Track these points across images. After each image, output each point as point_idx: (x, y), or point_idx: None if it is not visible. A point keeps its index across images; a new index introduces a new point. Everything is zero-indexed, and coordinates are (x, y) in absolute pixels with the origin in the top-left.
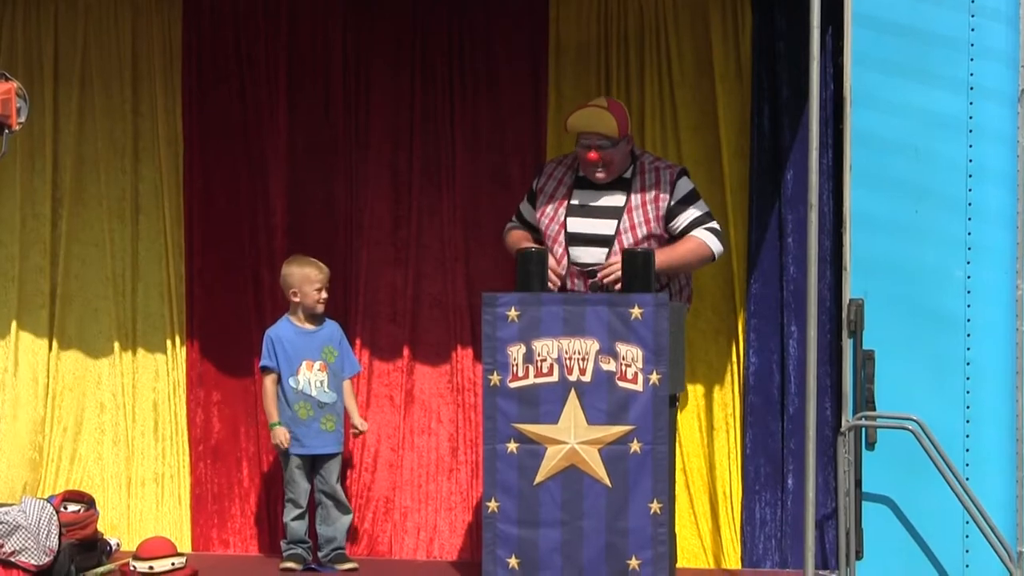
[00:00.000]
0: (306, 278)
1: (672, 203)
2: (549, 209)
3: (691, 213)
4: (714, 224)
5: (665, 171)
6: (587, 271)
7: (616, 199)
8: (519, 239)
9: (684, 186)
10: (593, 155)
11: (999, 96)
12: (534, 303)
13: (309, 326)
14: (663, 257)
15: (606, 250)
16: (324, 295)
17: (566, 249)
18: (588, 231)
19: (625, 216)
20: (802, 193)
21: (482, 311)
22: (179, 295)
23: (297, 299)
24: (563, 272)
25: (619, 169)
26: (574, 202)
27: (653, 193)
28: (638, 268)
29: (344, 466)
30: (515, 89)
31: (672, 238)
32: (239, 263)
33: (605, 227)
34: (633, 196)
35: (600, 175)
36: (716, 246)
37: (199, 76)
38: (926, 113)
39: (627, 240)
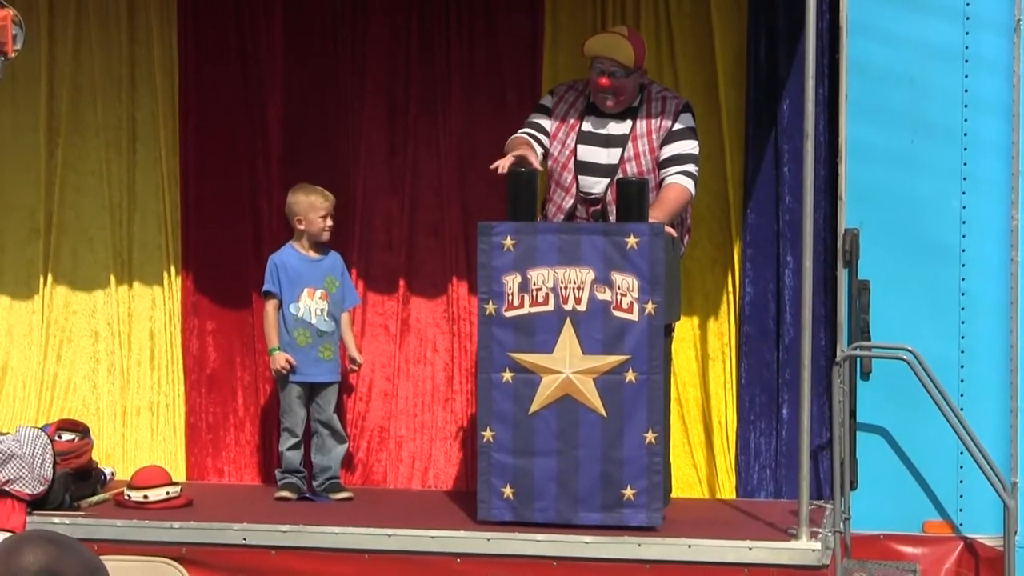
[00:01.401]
0: (312, 206)
1: (675, 128)
2: (561, 133)
3: (680, 147)
4: (692, 168)
5: (671, 101)
6: (589, 199)
7: (623, 127)
8: (518, 143)
9: (685, 120)
10: (604, 80)
11: (995, 26)
12: (529, 232)
13: (313, 254)
14: (662, 216)
15: (608, 179)
16: (329, 223)
17: (575, 177)
18: (595, 160)
19: (629, 144)
20: (798, 123)
21: (477, 240)
22: (175, 224)
23: (302, 227)
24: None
25: (629, 99)
26: (584, 128)
27: (658, 122)
28: (632, 197)
29: (339, 396)
30: (511, 19)
31: (658, 164)
32: (235, 192)
33: (610, 156)
34: (639, 123)
35: (610, 103)
36: (693, 188)
37: (195, 3)
38: (922, 43)
39: (630, 169)
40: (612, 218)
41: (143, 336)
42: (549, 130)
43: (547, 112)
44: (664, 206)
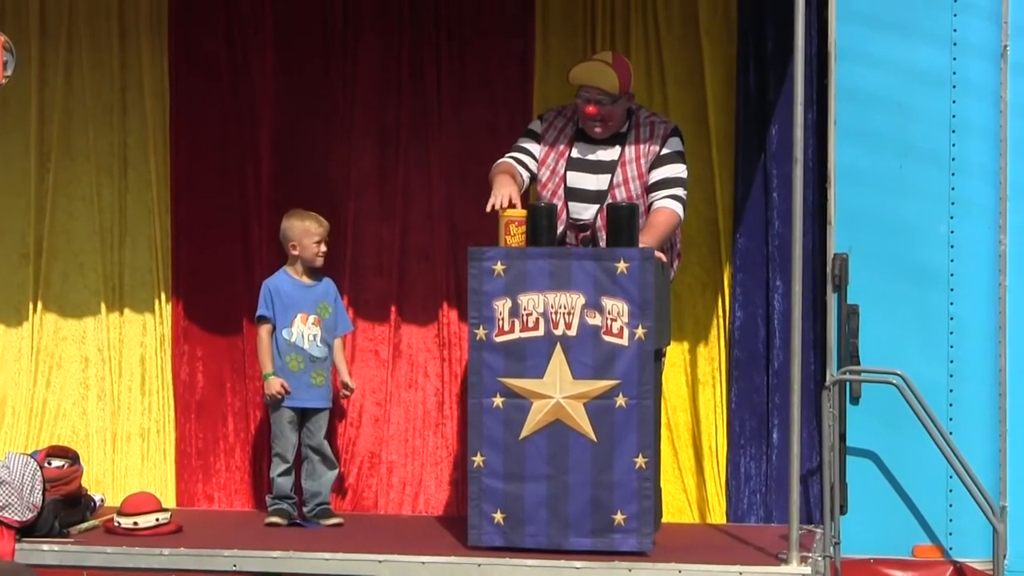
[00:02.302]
0: (306, 231)
1: (663, 152)
2: (550, 160)
3: (669, 171)
4: (681, 191)
5: (660, 126)
6: (579, 225)
7: (611, 153)
8: (501, 171)
9: (674, 144)
10: (591, 109)
11: (982, 51)
12: (520, 257)
13: (306, 280)
14: (652, 241)
15: (598, 205)
16: (323, 248)
17: (565, 203)
18: (585, 186)
19: (618, 170)
20: (787, 148)
21: (468, 265)
22: (165, 249)
23: (296, 252)
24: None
25: (617, 125)
26: (574, 155)
27: (647, 147)
28: (623, 222)
29: (330, 421)
30: (502, 43)
31: (646, 189)
32: (225, 216)
33: (600, 182)
34: (627, 149)
35: (598, 130)
36: (682, 212)
37: (186, 27)
38: (910, 68)
39: (620, 195)
40: (602, 244)
41: (134, 362)
42: (538, 155)
43: (536, 137)
44: (653, 231)
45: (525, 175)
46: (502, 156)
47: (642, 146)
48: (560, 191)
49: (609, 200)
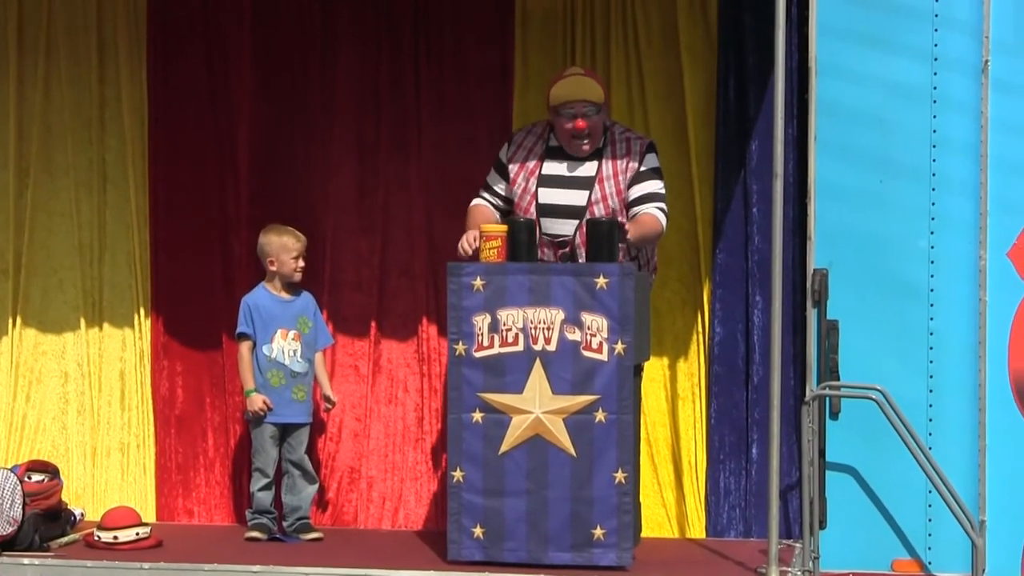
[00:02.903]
0: (284, 247)
1: (642, 168)
2: (520, 179)
3: (649, 187)
4: (664, 206)
5: (636, 142)
6: (557, 242)
7: (587, 169)
8: (476, 217)
9: (651, 160)
10: (581, 123)
11: (963, 67)
12: (499, 272)
13: (285, 295)
14: (637, 231)
15: (576, 221)
16: (301, 264)
17: (537, 220)
18: (559, 202)
19: (596, 187)
20: (767, 163)
21: (447, 280)
22: (144, 264)
23: (274, 268)
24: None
25: (598, 140)
26: (545, 172)
27: (624, 163)
28: (603, 238)
29: (311, 436)
30: (481, 57)
31: (626, 204)
32: (205, 232)
33: (576, 198)
34: (604, 166)
35: (586, 146)
36: (664, 225)
37: (164, 43)
38: (891, 83)
39: (598, 211)
40: (582, 260)
41: (113, 377)
42: (504, 193)
43: (503, 170)
44: (638, 226)
45: (497, 216)
46: (482, 171)
47: (619, 162)
48: (532, 208)
49: (588, 216)
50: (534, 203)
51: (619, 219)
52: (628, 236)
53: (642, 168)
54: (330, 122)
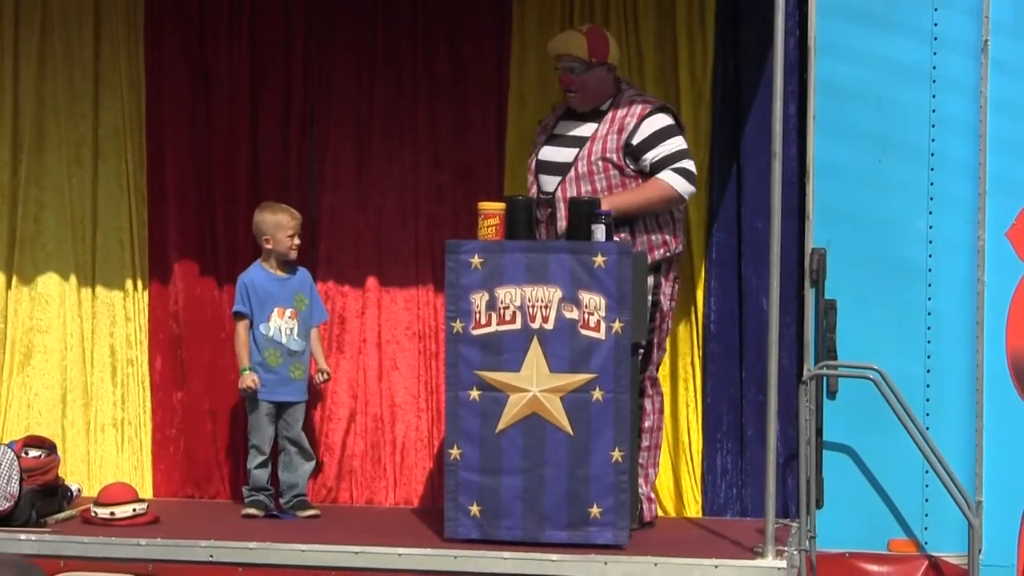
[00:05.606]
0: (279, 224)
1: (637, 139)
2: (539, 139)
3: (659, 151)
4: (685, 164)
5: (638, 105)
6: (545, 200)
7: (586, 129)
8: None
9: (657, 122)
10: (563, 78)
11: (963, 46)
12: (497, 250)
13: (281, 273)
14: (614, 201)
15: (559, 178)
16: (297, 241)
17: (536, 177)
18: (550, 159)
19: (587, 144)
20: (764, 143)
21: (445, 258)
22: (141, 240)
23: (270, 246)
24: None
25: (594, 97)
26: (556, 131)
27: (619, 124)
28: (582, 218)
29: (307, 413)
30: (479, 36)
31: (645, 177)
32: (201, 208)
33: (566, 155)
34: (602, 126)
35: (572, 99)
36: (683, 186)
37: (160, 19)
38: (890, 63)
39: (581, 166)
40: (560, 218)
41: (107, 352)
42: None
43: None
44: (621, 194)
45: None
46: (478, 149)
47: (615, 123)
48: (532, 166)
49: (572, 172)
50: (535, 160)
51: (599, 178)
52: (604, 207)
53: (640, 137)
54: (327, 100)
